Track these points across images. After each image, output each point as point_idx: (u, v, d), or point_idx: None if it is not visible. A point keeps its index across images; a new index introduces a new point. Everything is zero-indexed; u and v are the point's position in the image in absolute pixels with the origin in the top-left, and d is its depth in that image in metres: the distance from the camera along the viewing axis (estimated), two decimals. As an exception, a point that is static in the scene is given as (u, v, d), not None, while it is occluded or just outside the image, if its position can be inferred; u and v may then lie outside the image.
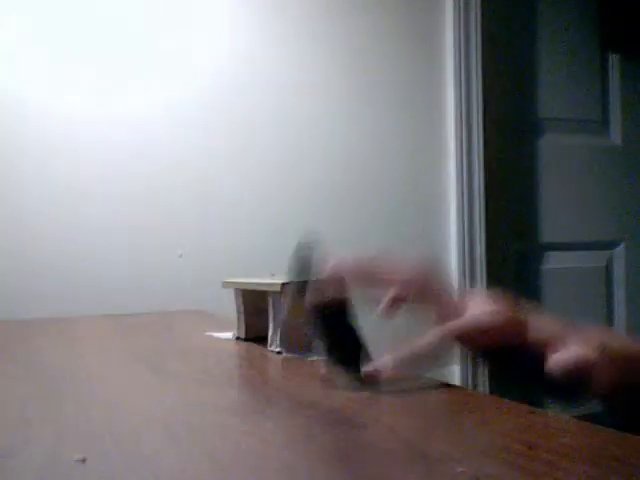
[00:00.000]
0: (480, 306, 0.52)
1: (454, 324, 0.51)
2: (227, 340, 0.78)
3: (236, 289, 0.77)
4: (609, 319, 2.32)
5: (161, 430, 0.39)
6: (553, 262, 2.25)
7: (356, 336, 0.52)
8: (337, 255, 0.53)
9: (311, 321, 0.52)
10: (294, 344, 0.65)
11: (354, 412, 0.42)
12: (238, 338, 0.76)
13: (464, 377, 1.98)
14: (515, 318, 0.51)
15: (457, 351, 0.53)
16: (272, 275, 0.79)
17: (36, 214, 1.62)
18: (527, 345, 0.49)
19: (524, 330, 0.50)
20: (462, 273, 1.98)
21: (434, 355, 0.50)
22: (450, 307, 0.53)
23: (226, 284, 0.79)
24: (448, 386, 0.52)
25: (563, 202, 2.28)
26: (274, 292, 0.67)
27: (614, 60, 2.37)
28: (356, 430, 0.38)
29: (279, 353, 0.65)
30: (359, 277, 0.54)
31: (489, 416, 0.40)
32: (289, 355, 0.64)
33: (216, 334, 0.82)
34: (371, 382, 0.49)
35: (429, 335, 0.50)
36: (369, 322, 0.53)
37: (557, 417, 0.39)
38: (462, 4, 1.98)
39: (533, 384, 0.50)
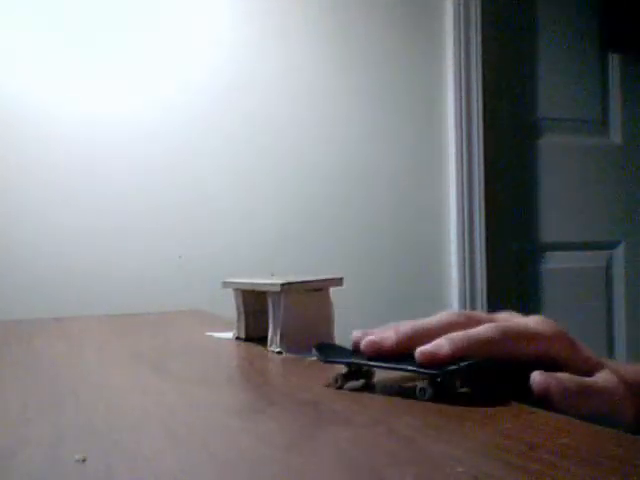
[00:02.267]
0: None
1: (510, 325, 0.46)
2: (227, 340, 0.78)
3: (236, 289, 0.77)
4: (609, 319, 2.32)
5: (161, 430, 0.39)
6: (553, 262, 2.25)
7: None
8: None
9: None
10: (294, 344, 0.65)
11: (354, 412, 0.42)
12: (238, 338, 0.76)
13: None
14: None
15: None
16: (272, 275, 0.79)
17: (36, 214, 1.62)
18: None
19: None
20: (462, 273, 1.98)
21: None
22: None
23: (226, 284, 0.79)
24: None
25: (563, 202, 2.28)
26: (274, 292, 0.67)
27: (614, 60, 2.37)
28: (356, 430, 0.38)
29: (279, 353, 0.65)
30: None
31: (489, 416, 0.40)
32: (289, 355, 0.64)
33: (216, 334, 0.82)
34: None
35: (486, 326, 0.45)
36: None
37: (557, 417, 0.39)
38: (462, 5, 1.98)
39: None
